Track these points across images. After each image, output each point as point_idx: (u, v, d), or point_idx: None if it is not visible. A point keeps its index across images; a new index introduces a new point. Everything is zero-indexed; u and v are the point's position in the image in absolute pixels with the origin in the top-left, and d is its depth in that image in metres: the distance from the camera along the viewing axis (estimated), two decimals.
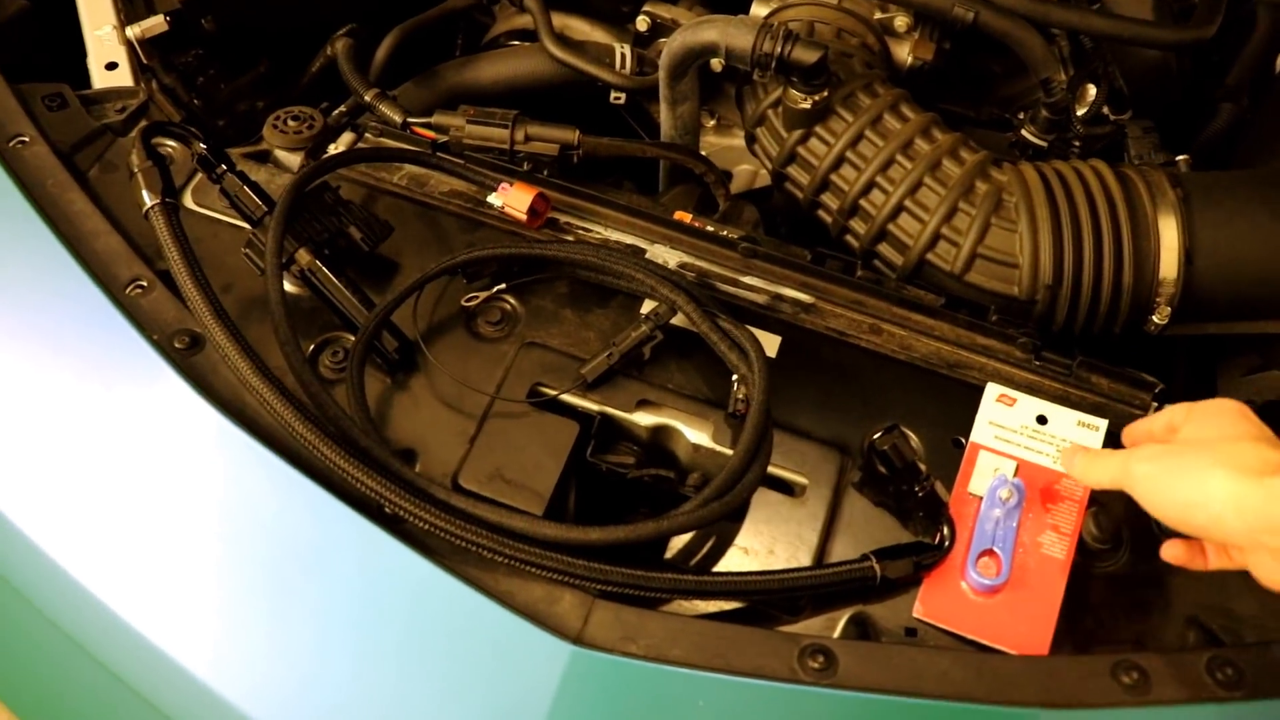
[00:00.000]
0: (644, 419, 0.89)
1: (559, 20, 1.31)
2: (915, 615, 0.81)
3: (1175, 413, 0.78)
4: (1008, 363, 0.98)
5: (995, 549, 0.83)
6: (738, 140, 1.26)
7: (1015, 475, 0.87)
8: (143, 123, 1.03)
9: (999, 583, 0.82)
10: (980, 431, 0.90)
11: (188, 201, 1.02)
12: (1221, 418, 0.74)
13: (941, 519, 0.83)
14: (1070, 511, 0.85)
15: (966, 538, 0.84)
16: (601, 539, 0.74)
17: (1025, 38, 1.11)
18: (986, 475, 0.87)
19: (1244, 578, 0.82)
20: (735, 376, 0.86)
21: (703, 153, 1.28)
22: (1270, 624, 0.82)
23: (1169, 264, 1.01)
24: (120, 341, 0.88)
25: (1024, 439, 0.89)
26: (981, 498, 0.86)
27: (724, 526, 0.84)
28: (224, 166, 0.92)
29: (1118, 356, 1.04)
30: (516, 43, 1.33)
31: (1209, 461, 0.69)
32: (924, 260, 1.04)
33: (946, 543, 0.82)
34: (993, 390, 0.92)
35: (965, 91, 1.31)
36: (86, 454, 0.84)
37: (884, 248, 1.07)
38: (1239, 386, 1.10)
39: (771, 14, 1.19)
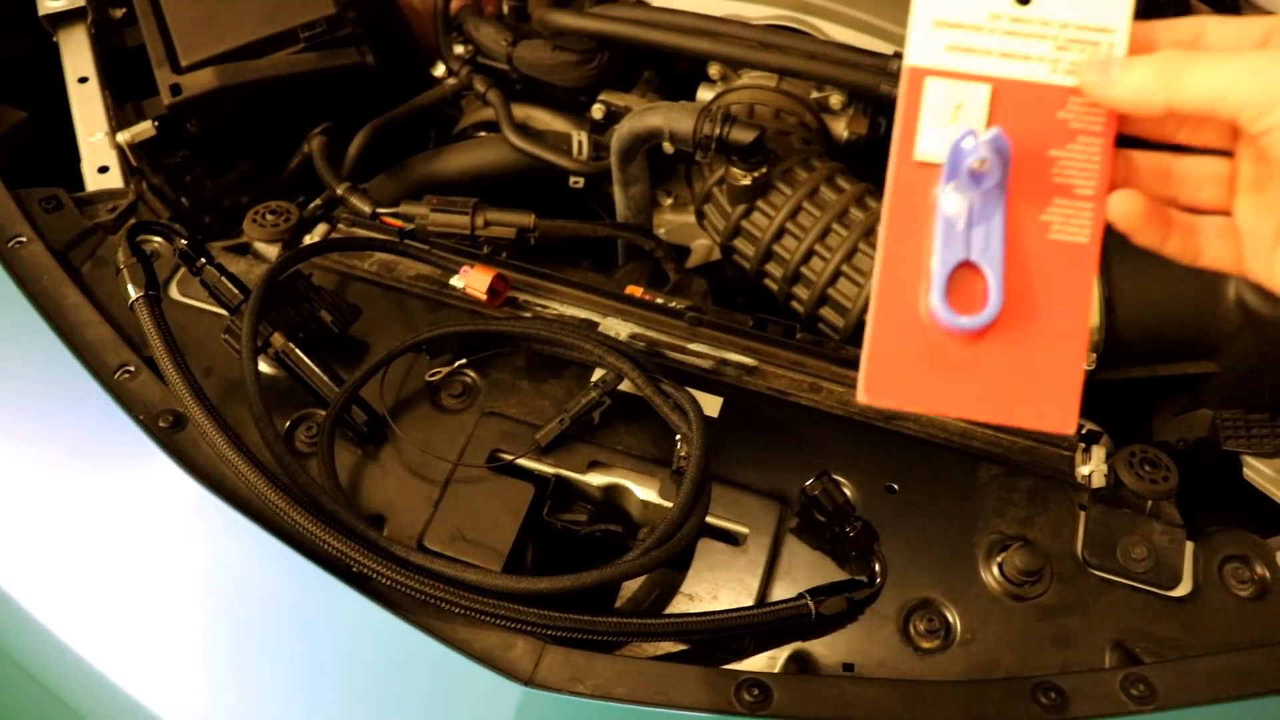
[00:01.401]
0: (595, 479, 0.95)
1: (522, 111, 1.40)
2: (860, 400, 0.57)
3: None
4: None
5: (974, 259, 0.56)
6: (692, 217, 1.34)
7: (990, 113, 0.57)
8: (131, 221, 1.12)
9: (987, 319, 0.56)
10: (923, 42, 0.58)
11: (173, 292, 1.09)
12: None
13: (873, 556, 0.89)
14: (1089, 153, 0.57)
15: (920, 250, 0.57)
16: (549, 588, 0.80)
17: None
18: (942, 121, 0.58)
19: (1164, 602, 0.88)
20: (678, 436, 0.93)
21: (661, 229, 1.36)
22: (1189, 642, 0.88)
23: (1092, 313, 1.07)
24: (109, 422, 0.95)
25: (998, 39, 0.58)
26: (939, 167, 0.57)
27: (671, 575, 0.90)
28: (203, 260, 0.99)
29: None
30: (483, 133, 1.42)
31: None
32: (863, 321, 1.11)
33: (878, 579, 0.88)
34: None
35: None
36: (78, 526, 0.91)
37: (826, 311, 1.14)
38: (1171, 426, 1.16)
39: (716, 97, 1.28)
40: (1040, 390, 0.56)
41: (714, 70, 1.29)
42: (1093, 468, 1.00)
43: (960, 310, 0.56)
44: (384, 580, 0.81)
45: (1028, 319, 0.57)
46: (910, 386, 0.57)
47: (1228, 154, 0.59)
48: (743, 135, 1.10)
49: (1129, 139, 0.60)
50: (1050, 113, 0.58)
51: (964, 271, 0.56)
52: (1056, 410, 0.57)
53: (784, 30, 1.24)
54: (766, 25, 1.24)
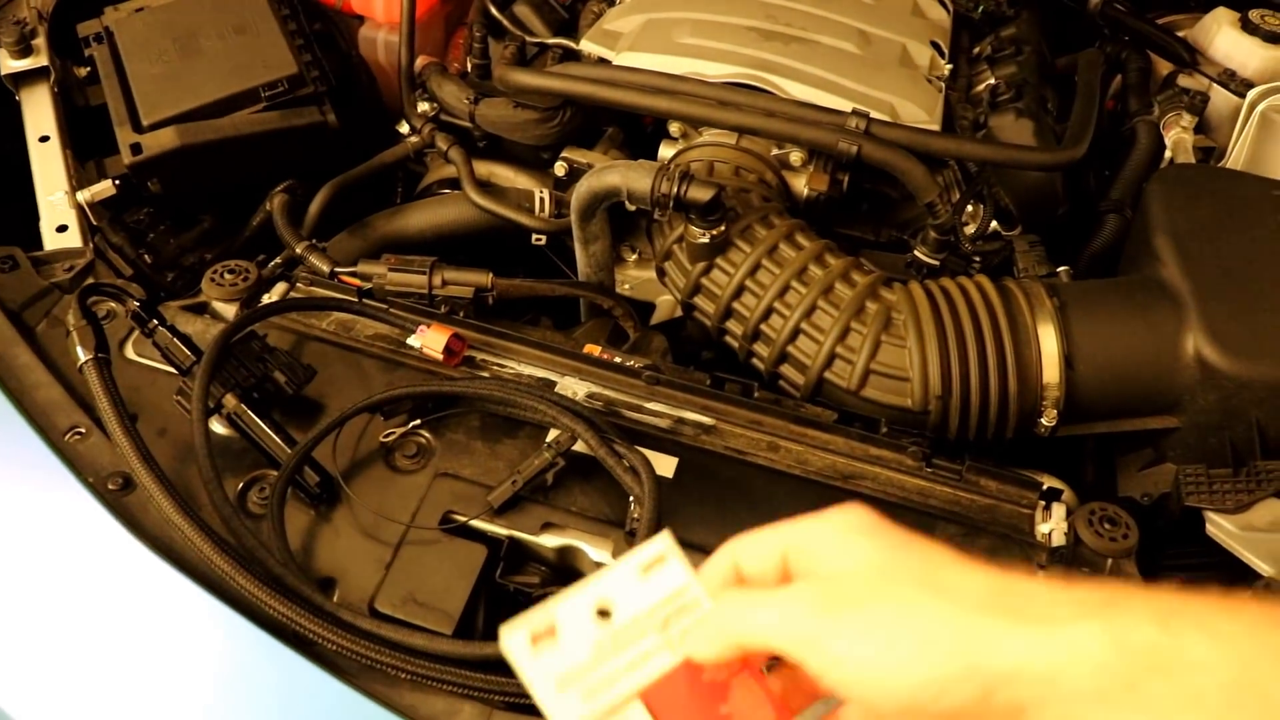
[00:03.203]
0: (549, 540, 0.94)
1: (486, 168, 1.40)
2: None
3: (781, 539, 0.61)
4: (900, 471, 1.04)
5: None
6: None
7: (652, 713, 0.58)
8: (86, 282, 1.11)
9: None
10: (561, 707, 0.58)
11: (129, 352, 1.08)
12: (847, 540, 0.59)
13: None
14: (749, 690, 0.60)
15: None
16: (497, 653, 0.79)
17: (907, 167, 1.20)
18: None
19: None
20: (631, 497, 0.92)
21: (625, 285, 1.36)
22: None
23: (1051, 369, 1.07)
24: (58, 483, 0.94)
25: (613, 660, 0.59)
26: None
27: None
28: (155, 321, 0.99)
29: (1028, 456, 1.10)
30: (446, 191, 1.42)
31: (906, 591, 0.55)
32: (823, 379, 1.11)
33: None
34: (510, 637, 0.59)
35: (866, 216, 1.39)
36: (23, 587, 0.89)
37: (786, 369, 1.14)
38: (1135, 481, 1.16)
39: (677, 154, 1.29)
40: None
41: (675, 128, 1.30)
42: (1053, 525, 0.99)
43: None
44: (330, 645, 0.80)
45: None
46: None
47: None
48: (700, 193, 1.10)
49: None
50: (697, 682, 0.60)
51: None
52: None
53: (744, 88, 1.25)
54: (726, 83, 1.24)
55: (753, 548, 0.61)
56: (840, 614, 0.54)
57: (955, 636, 0.52)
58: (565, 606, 0.59)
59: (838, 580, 0.56)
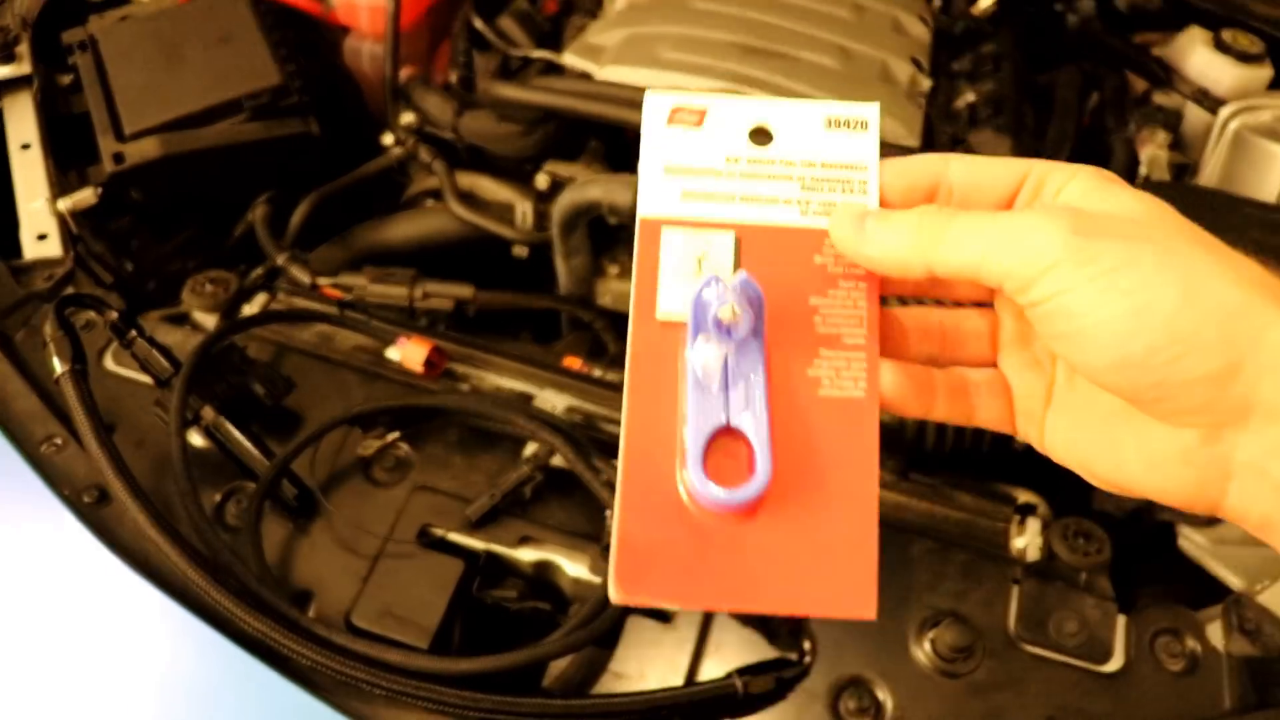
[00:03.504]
0: (526, 554, 0.95)
1: (469, 179, 1.41)
2: (612, 598, 0.48)
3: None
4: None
5: (734, 424, 0.48)
6: None
7: (737, 263, 0.51)
8: (65, 292, 1.11)
9: (755, 492, 0.47)
10: (655, 191, 0.52)
11: (108, 363, 1.08)
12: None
13: (803, 633, 0.89)
14: (853, 298, 0.51)
15: (671, 419, 0.50)
16: (471, 669, 0.80)
17: None
18: (685, 275, 0.51)
19: (1095, 678, 0.88)
20: (608, 511, 0.93)
21: (606, 298, 1.37)
22: (1121, 718, 0.88)
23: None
24: (33, 496, 0.94)
25: (738, 182, 0.52)
26: (683, 326, 0.50)
27: (599, 654, 0.90)
28: (134, 332, 0.99)
29: (1006, 468, 1.11)
30: (430, 201, 1.43)
31: (1177, 242, 0.47)
32: None
33: (807, 657, 0.88)
34: (656, 103, 0.53)
35: None
36: None
37: None
38: (1108, 497, 1.17)
39: None
40: (829, 571, 0.48)
41: None
42: (1027, 540, 1.00)
43: (723, 483, 0.47)
44: (304, 661, 0.80)
45: (804, 490, 0.48)
46: (671, 577, 0.47)
47: (990, 305, 0.56)
48: None
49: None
50: (806, 258, 0.52)
51: (725, 439, 0.48)
52: (852, 592, 0.48)
53: None
54: None
55: (973, 167, 0.52)
56: (1096, 241, 0.45)
57: (1222, 300, 0.45)
58: (725, 103, 0.53)
59: (1093, 214, 0.48)
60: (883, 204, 0.52)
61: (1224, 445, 0.46)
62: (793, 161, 0.52)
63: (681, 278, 0.51)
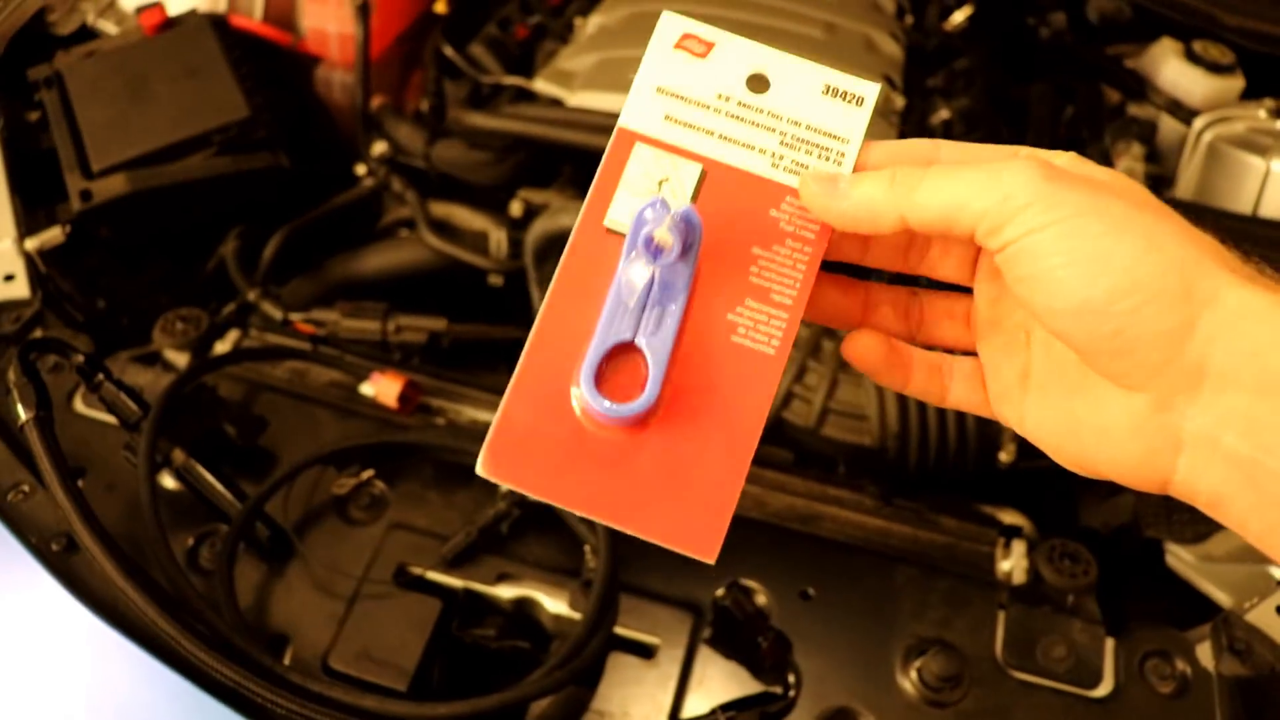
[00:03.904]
0: (505, 591, 0.93)
1: (442, 208, 1.39)
2: (478, 470, 0.49)
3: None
4: (859, 511, 1.03)
5: (638, 342, 0.50)
6: None
7: (696, 194, 0.52)
8: (31, 335, 1.09)
9: (637, 410, 0.48)
10: (641, 105, 0.53)
11: (78, 405, 1.07)
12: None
13: (787, 666, 0.87)
14: (794, 260, 0.52)
15: (585, 322, 0.50)
16: (449, 713, 0.78)
17: None
18: (642, 191, 0.52)
19: (1085, 704, 0.87)
20: (586, 546, 0.91)
21: None
22: None
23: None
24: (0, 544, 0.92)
25: (722, 120, 0.53)
26: (623, 236, 0.51)
27: (580, 692, 0.88)
28: (101, 376, 0.97)
29: (989, 488, 1.10)
30: (404, 231, 1.41)
31: (1140, 202, 0.48)
32: (781, 418, 1.10)
33: (792, 691, 0.86)
34: (671, 21, 0.54)
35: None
36: None
37: None
38: (1096, 512, 1.16)
39: None
40: (686, 507, 0.49)
41: None
42: (1013, 564, 0.99)
43: (611, 397, 0.48)
44: (280, 710, 0.78)
45: (687, 423, 0.50)
46: (537, 467, 0.49)
47: (966, 290, 0.58)
48: None
49: (863, 269, 0.58)
50: (762, 208, 0.53)
51: (627, 355, 0.50)
52: (700, 533, 0.49)
53: None
54: None
55: (963, 153, 0.53)
56: (1066, 188, 0.46)
57: (1182, 254, 0.45)
58: (735, 42, 0.54)
59: (1065, 169, 0.49)
60: None
61: (1174, 414, 0.47)
62: (779, 116, 0.53)
63: (638, 194, 0.52)
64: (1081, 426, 0.50)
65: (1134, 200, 0.47)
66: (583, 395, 0.49)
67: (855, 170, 0.53)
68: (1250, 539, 0.46)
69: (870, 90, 0.54)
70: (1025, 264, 0.47)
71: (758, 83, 0.54)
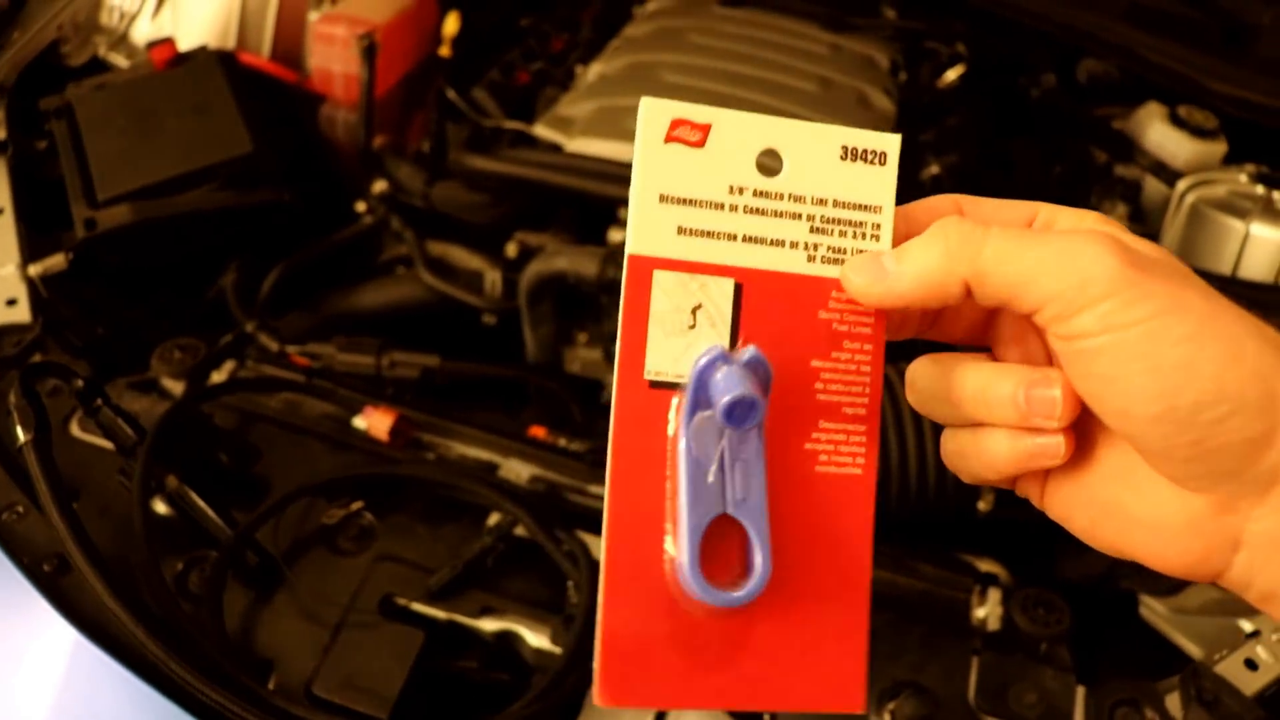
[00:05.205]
0: (488, 625, 0.95)
1: (440, 247, 1.42)
2: (597, 703, 0.44)
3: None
4: None
5: (731, 513, 0.44)
6: None
7: (736, 315, 0.46)
8: (33, 359, 1.12)
9: (754, 591, 0.44)
10: (647, 223, 0.45)
11: (74, 429, 1.09)
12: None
13: None
14: (857, 362, 0.47)
15: (658, 497, 0.45)
16: None
17: None
18: (677, 328, 0.45)
19: None
20: (570, 582, 0.93)
21: (575, 365, 1.38)
22: None
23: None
24: None
25: (741, 218, 0.46)
26: (674, 389, 0.45)
27: None
28: (99, 400, 0.99)
29: (969, 536, 1.11)
30: (401, 268, 1.44)
31: (1217, 300, 0.44)
32: None
33: None
34: (655, 109, 0.45)
35: None
36: None
37: None
38: (1072, 563, 1.18)
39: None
40: (819, 664, 0.45)
41: (624, 213, 1.32)
42: (988, 611, 1.01)
43: (717, 578, 0.43)
44: None
45: (797, 577, 0.45)
46: (660, 678, 0.44)
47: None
48: None
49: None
50: (810, 312, 0.46)
51: (717, 526, 0.44)
52: (842, 686, 0.45)
53: None
54: None
55: (983, 209, 0.49)
56: (1149, 278, 0.42)
57: (1261, 360, 0.42)
58: (733, 118, 0.46)
59: (1135, 247, 0.44)
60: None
61: (1237, 516, 0.44)
62: (803, 197, 0.46)
63: (674, 331, 0.45)
64: (1125, 518, 0.47)
65: (1202, 291, 0.44)
66: (692, 590, 0.43)
67: (894, 242, 0.48)
68: None
69: (892, 144, 0.47)
70: (1101, 363, 0.43)
71: (769, 162, 0.46)
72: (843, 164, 0.47)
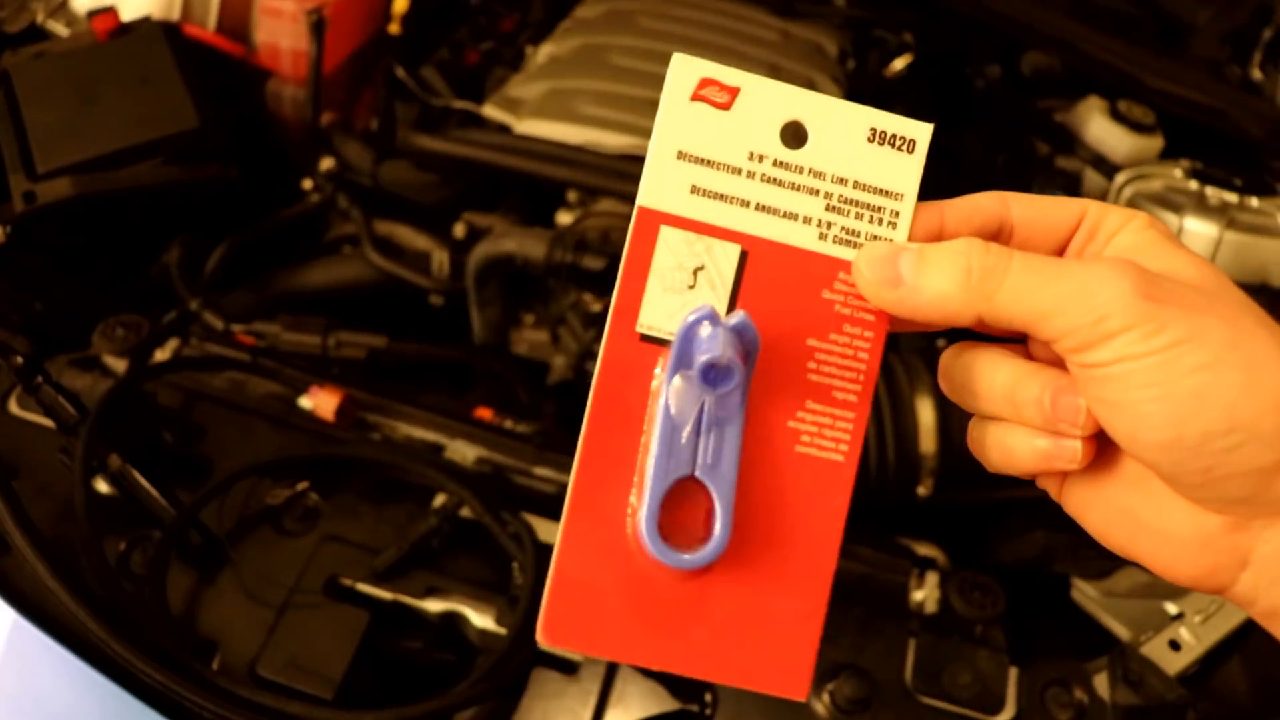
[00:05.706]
0: (433, 605, 0.95)
1: (387, 227, 1.42)
2: (539, 640, 0.44)
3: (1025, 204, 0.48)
4: None
5: (698, 476, 0.45)
6: None
7: (738, 282, 0.46)
8: None
9: (710, 557, 0.44)
10: (661, 178, 0.45)
11: (13, 407, 1.07)
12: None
13: (704, 686, 0.90)
14: (855, 348, 0.47)
15: (631, 450, 0.45)
16: None
17: None
18: (676, 285, 0.45)
19: None
20: (515, 563, 0.94)
21: (522, 346, 1.38)
22: None
23: (928, 441, 1.12)
24: None
25: (758, 186, 0.46)
26: (665, 344, 0.45)
27: (503, 705, 0.90)
28: (40, 378, 0.98)
29: (910, 521, 1.14)
30: (347, 248, 1.43)
31: (1242, 317, 0.44)
32: None
33: (708, 710, 0.89)
34: (685, 66, 0.45)
35: None
36: None
37: None
38: (1007, 547, 1.21)
39: (576, 222, 1.32)
40: (768, 645, 0.45)
41: (572, 196, 1.33)
42: (925, 594, 1.03)
43: (676, 540, 0.44)
44: (206, 714, 0.80)
45: (758, 552, 0.45)
46: (602, 627, 0.44)
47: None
48: (593, 263, 1.13)
49: None
50: (814, 291, 0.46)
51: (685, 490, 0.44)
52: (786, 671, 0.45)
53: (638, 160, 1.28)
54: (622, 155, 1.28)
55: (1033, 207, 0.48)
56: (1164, 308, 0.42)
57: None
58: (764, 85, 0.45)
59: (1158, 275, 0.44)
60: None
61: (1248, 535, 0.45)
62: (823, 174, 0.46)
63: (672, 288, 0.45)
64: (1138, 525, 0.47)
65: (1233, 314, 0.44)
66: (647, 545, 0.44)
67: (911, 235, 0.47)
68: None
69: (923, 132, 0.47)
70: (1113, 390, 0.43)
71: (793, 134, 0.46)
72: (869, 146, 0.46)
